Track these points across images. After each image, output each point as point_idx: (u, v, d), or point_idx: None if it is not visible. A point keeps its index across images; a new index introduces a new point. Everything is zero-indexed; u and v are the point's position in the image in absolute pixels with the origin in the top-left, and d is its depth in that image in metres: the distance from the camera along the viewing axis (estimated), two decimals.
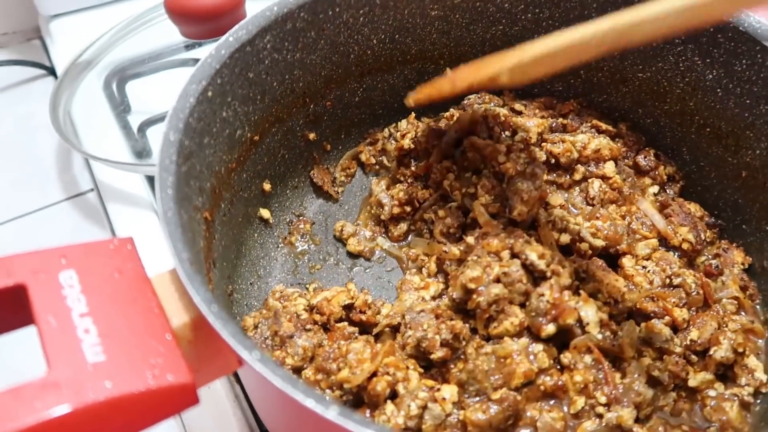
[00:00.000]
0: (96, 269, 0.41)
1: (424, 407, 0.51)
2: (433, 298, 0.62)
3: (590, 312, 0.55)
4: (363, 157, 0.79)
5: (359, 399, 0.54)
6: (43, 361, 0.36)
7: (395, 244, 0.73)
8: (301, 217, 0.76)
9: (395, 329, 0.60)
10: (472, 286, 0.56)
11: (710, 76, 0.65)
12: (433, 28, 0.73)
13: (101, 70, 0.99)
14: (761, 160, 0.64)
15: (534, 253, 0.57)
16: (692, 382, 0.56)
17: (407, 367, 0.55)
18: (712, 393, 0.56)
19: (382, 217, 0.73)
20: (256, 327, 0.61)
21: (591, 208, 0.66)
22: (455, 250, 0.63)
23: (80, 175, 0.98)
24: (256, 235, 0.71)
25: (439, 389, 0.52)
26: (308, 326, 0.59)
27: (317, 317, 0.61)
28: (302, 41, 0.65)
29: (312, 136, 0.75)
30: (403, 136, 0.76)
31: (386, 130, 0.80)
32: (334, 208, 0.78)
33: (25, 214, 0.94)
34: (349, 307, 0.62)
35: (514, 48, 0.51)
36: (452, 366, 0.56)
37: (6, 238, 0.91)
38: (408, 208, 0.72)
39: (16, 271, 0.39)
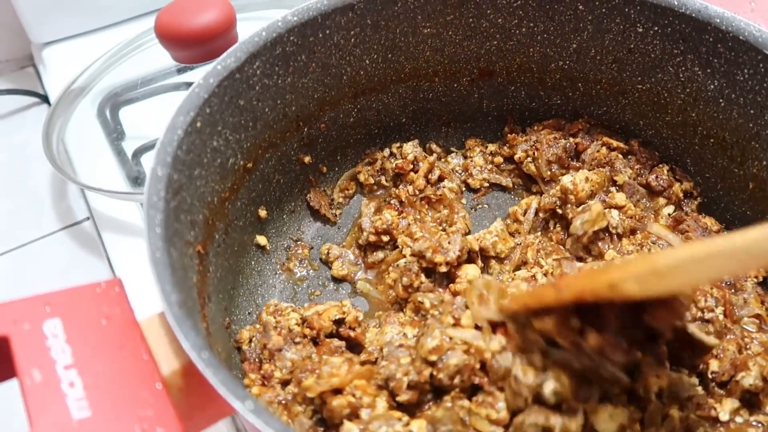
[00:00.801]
0: (82, 316, 0.39)
1: None
2: (416, 336, 0.58)
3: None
4: (361, 177, 0.78)
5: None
6: (24, 418, 0.34)
7: (369, 275, 0.71)
8: (298, 242, 0.74)
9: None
10: (432, 358, 0.51)
11: (712, 87, 0.64)
12: (426, 45, 0.72)
13: (95, 96, 0.98)
14: None
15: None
16: (723, 417, 0.53)
17: (376, 396, 0.52)
18: (738, 420, 0.54)
19: (360, 241, 0.72)
20: (250, 341, 0.61)
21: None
22: (427, 302, 0.61)
23: (75, 204, 0.96)
24: (253, 263, 0.70)
25: (407, 423, 0.49)
26: (297, 339, 0.59)
27: (307, 331, 0.60)
28: (293, 65, 0.64)
29: (307, 159, 0.74)
30: (404, 157, 0.75)
31: (386, 149, 0.78)
32: (332, 231, 0.76)
33: (21, 245, 0.93)
34: (339, 322, 0.61)
35: (642, 259, 0.43)
36: (425, 407, 0.52)
37: (3, 270, 0.90)
38: (385, 238, 0.70)
39: None
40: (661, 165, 0.72)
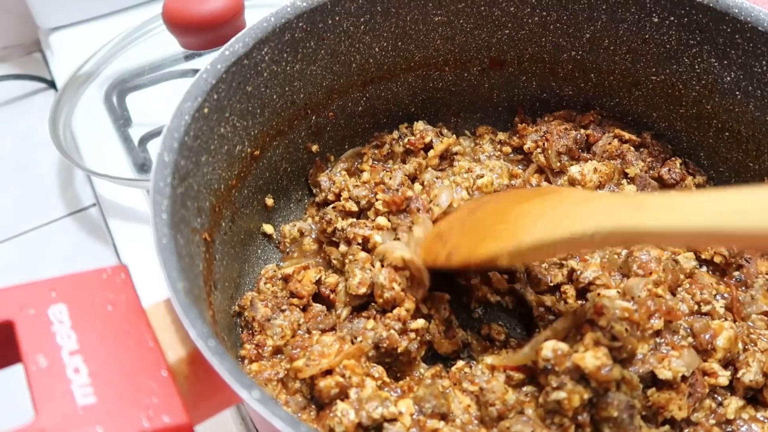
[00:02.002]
0: (87, 302, 0.39)
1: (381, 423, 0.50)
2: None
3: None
4: (364, 159, 0.77)
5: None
6: (30, 404, 0.34)
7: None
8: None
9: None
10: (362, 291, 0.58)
11: (728, 79, 0.62)
12: (437, 34, 0.71)
13: (101, 82, 0.97)
14: None
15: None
16: (730, 415, 0.53)
17: (366, 374, 0.54)
18: (744, 416, 0.53)
19: (317, 200, 0.72)
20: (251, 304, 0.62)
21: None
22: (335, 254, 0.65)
23: (82, 190, 0.96)
24: (259, 251, 0.69)
25: (395, 403, 0.51)
26: (284, 307, 0.60)
27: (295, 301, 0.61)
28: (302, 52, 0.63)
29: (315, 147, 0.73)
30: (416, 134, 0.75)
31: (395, 131, 0.77)
32: None
33: (27, 231, 0.92)
34: (319, 283, 0.63)
35: (513, 234, 0.51)
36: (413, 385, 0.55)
37: (9, 256, 0.90)
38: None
39: (2, 306, 0.37)
40: (673, 158, 0.71)
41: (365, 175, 0.72)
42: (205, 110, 0.53)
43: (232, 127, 0.58)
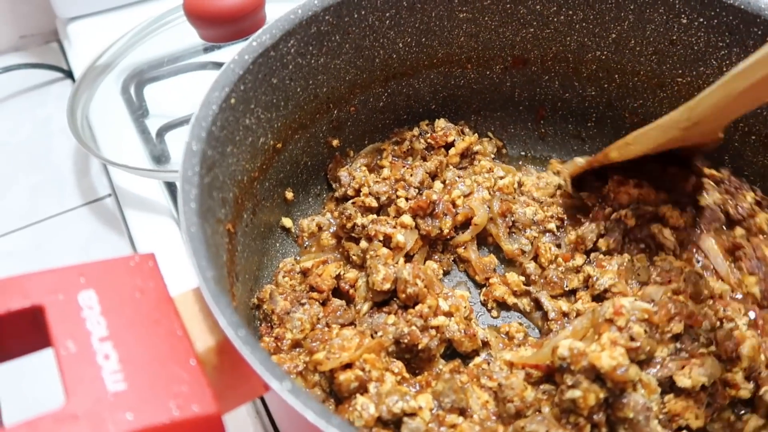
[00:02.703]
0: (116, 289, 0.39)
1: (401, 417, 0.50)
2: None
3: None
4: (384, 154, 0.76)
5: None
6: (60, 389, 0.34)
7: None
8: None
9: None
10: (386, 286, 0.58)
11: None
12: (461, 30, 0.70)
13: (119, 73, 0.97)
14: None
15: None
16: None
17: (385, 369, 0.54)
18: None
19: (337, 195, 0.71)
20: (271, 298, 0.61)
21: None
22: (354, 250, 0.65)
23: (98, 180, 0.96)
24: (278, 245, 0.69)
25: (415, 397, 0.51)
26: (303, 301, 0.60)
27: (314, 295, 0.61)
28: (327, 45, 0.63)
29: (335, 142, 0.73)
30: (438, 131, 0.74)
31: (415, 128, 0.77)
32: None
33: (43, 219, 0.92)
34: (338, 278, 0.63)
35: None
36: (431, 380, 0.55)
37: (24, 244, 0.89)
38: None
39: (32, 291, 0.37)
40: (744, 193, 0.65)
41: (385, 171, 0.71)
42: (232, 101, 0.53)
43: (257, 118, 0.58)
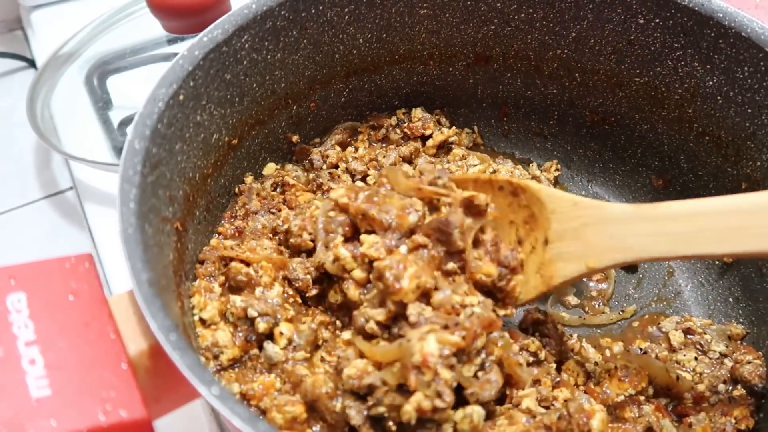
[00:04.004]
0: (48, 291, 0.38)
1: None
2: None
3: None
4: (360, 137, 0.75)
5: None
6: None
7: None
8: None
9: None
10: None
11: (710, 83, 0.62)
12: (422, 27, 0.70)
13: (83, 63, 0.96)
14: (762, 172, 0.61)
15: None
16: None
17: (274, 280, 0.55)
18: None
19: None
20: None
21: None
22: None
23: (59, 173, 0.95)
24: None
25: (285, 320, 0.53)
26: (273, 210, 0.65)
27: (283, 207, 0.65)
28: (283, 40, 0.62)
29: (295, 138, 0.72)
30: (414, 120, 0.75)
31: (394, 117, 0.76)
32: None
33: (1, 212, 0.91)
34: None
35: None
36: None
37: None
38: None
39: None
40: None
41: (361, 150, 0.73)
42: (181, 97, 0.52)
43: (209, 115, 0.57)
